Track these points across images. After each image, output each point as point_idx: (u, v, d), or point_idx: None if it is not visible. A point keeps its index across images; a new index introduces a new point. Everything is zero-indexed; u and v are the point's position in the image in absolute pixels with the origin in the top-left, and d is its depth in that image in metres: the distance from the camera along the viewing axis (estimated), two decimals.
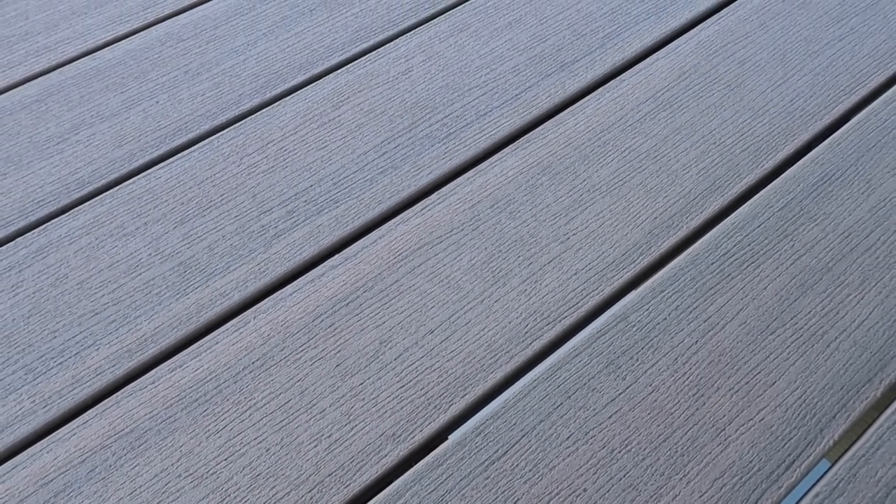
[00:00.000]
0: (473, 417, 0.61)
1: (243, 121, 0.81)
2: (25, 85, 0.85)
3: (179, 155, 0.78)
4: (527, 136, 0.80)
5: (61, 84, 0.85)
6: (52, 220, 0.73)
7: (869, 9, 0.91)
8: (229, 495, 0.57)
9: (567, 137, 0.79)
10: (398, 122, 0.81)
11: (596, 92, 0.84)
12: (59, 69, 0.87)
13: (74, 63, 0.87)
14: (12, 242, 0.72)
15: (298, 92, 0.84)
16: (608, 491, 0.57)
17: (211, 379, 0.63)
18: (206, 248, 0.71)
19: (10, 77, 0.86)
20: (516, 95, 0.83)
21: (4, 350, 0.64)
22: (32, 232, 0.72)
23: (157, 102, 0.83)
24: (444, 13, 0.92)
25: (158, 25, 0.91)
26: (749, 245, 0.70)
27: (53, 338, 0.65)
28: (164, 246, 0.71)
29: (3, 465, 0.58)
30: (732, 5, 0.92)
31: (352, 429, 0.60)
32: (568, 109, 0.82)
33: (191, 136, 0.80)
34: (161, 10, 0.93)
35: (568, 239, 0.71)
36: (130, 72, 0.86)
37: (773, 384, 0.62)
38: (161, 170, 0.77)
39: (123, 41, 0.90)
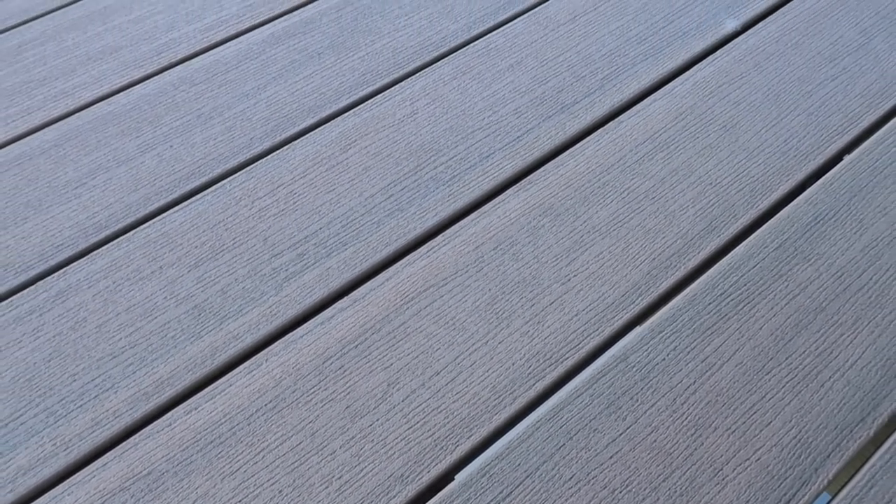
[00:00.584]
0: (479, 458, 0.63)
1: (254, 164, 0.84)
2: (44, 130, 0.88)
3: (193, 199, 0.81)
4: (529, 177, 0.82)
5: (79, 129, 0.88)
6: (71, 265, 0.76)
7: (861, 48, 0.94)
8: None
9: (567, 179, 0.82)
10: (404, 164, 0.83)
11: (595, 133, 0.86)
12: (77, 114, 0.90)
13: (91, 108, 0.91)
14: (33, 286, 0.74)
15: (307, 135, 0.87)
16: None
17: (225, 421, 0.65)
18: (219, 292, 0.73)
19: (29, 122, 0.89)
20: (518, 137, 0.86)
21: (27, 393, 0.67)
22: (52, 276, 0.75)
23: (171, 146, 0.86)
24: (447, 56, 0.95)
25: (172, 70, 0.94)
26: (745, 285, 0.73)
27: (73, 381, 0.67)
28: (178, 289, 0.74)
29: None
30: (727, 46, 0.95)
31: (361, 470, 0.62)
32: (568, 151, 0.85)
33: (204, 179, 0.83)
34: (174, 55, 0.96)
35: (569, 280, 0.73)
36: (145, 116, 0.89)
37: (769, 424, 0.64)
38: (175, 213, 0.80)
39: (138, 85, 0.93)
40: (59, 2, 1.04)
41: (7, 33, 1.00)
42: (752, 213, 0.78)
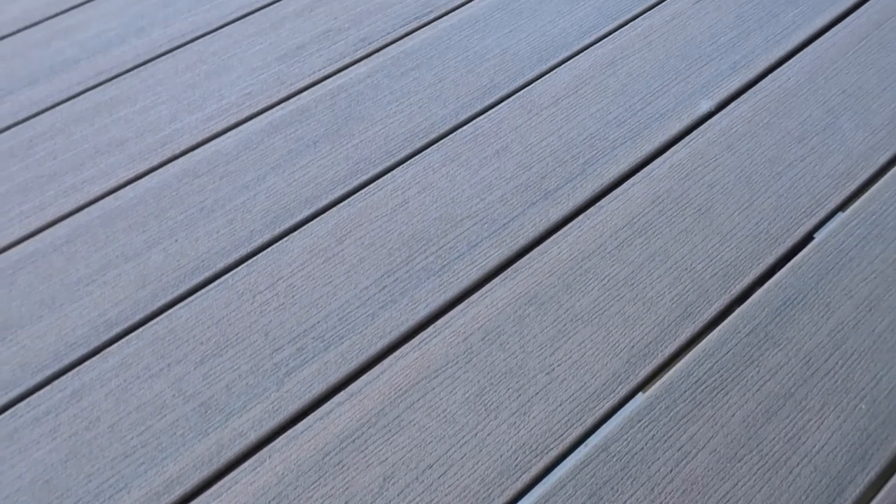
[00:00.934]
0: None
1: (255, 257, 0.89)
2: (56, 226, 0.93)
3: (197, 294, 0.86)
4: (514, 265, 0.87)
5: (88, 224, 0.93)
6: (84, 363, 0.81)
7: (828, 128, 0.99)
8: None
9: (551, 266, 0.86)
10: (396, 255, 0.88)
11: (577, 219, 0.91)
12: (87, 209, 0.95)
13: (100, 202, 0.96)
14: (49, 386, 0.79)
15: (305, 226, 0.92)
16: None
17: None
18: (224, 388, 0.78)
19: (42, 218, 0.94)
20: (504, 225, 0.91)
21: (45, 496, 0.71)
22: (67, 375, 0.80)
23: (176, 241, 0.91)
24: (436, 142, 1.00)
25: (175, 161, 1.00)
26: (718, 372, 0.77)
27: (89, 482, 0.72)
28: (186, 386, 0.78)
29: None
30: (702, 127, 1.00)
31: None
32: (552, 238, 0.89)
33: (207, 274, 0.88)
34: (177, 146, 1.01)
35: (553, 370, 0.78)
36: (150, 210, 0.94)
37: None
38: (181, 309, 0.85)
39: (144, 178, 0.98)
40: (67, 93, 1.09)
41: (18, 127, 1.05)
42: (726, 299, 0.83)
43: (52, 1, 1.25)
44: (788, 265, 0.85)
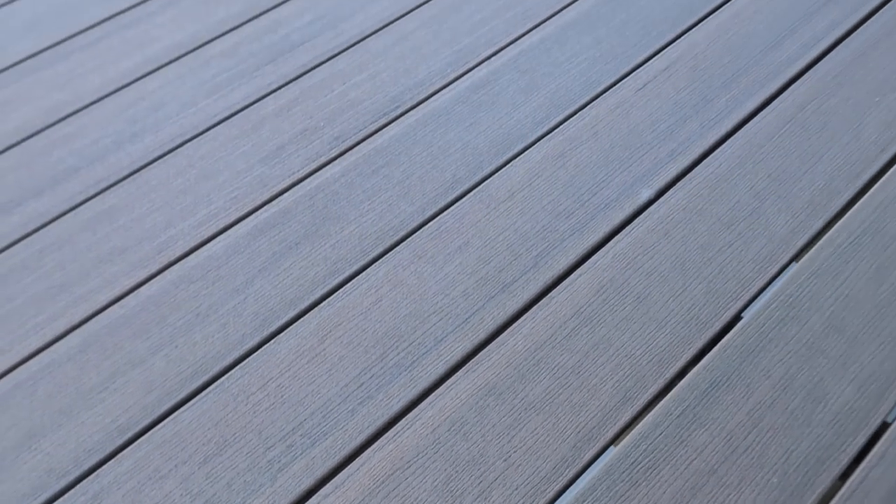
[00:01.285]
0: None
1: (247, 360, 1.00)
2: (69, 336, 1.05)
3: (198, 397, 0.97)
4: (476, 357, 0.99)
5: (97, 333, 1.05)
6: (102, 467, 0.92)
7: (754, 212, 1.10)
8: None
9: (508, 358, 0.98)
10: (372, 352, 1.00)
11: (531, 311, 1.03)
12: (95, 318, 1.06)
13: (106, 311, 1.07)
14: (72, 490, 0.90)
15: (290, 328, 1.03)
16: None
17: None
18: (225, 486, 0.89)
19: (55, 329, 1.06)
20: (466, 319, 1.02)
21: None
22: (87, 479, 0.91)
23: (176, 347, 1.02)
24: (405, 240, 1.12)
25: (172, 268, 1.11)
26: (652, 452, 0.89)
27: None
28: (192, 486, 0.90)
29: None
30: (642, 215, 1.12)
31: None
32: (508, 329, 1.01)
33: (206, 378, 0.99)
34: (173, 253, 1.13)
35: (510, 456, 0.90)
36: (152, 317, 1.06)
37: None
38: (184, 412, 0.96)
39: (144, 286, 1.09)
40: (70, 203, 1.20)
41: (29, 238, 1.17)
42: (660, 383, 0.95)
43: (49, 108, 1.37)
44: (715, 348, 0.97)
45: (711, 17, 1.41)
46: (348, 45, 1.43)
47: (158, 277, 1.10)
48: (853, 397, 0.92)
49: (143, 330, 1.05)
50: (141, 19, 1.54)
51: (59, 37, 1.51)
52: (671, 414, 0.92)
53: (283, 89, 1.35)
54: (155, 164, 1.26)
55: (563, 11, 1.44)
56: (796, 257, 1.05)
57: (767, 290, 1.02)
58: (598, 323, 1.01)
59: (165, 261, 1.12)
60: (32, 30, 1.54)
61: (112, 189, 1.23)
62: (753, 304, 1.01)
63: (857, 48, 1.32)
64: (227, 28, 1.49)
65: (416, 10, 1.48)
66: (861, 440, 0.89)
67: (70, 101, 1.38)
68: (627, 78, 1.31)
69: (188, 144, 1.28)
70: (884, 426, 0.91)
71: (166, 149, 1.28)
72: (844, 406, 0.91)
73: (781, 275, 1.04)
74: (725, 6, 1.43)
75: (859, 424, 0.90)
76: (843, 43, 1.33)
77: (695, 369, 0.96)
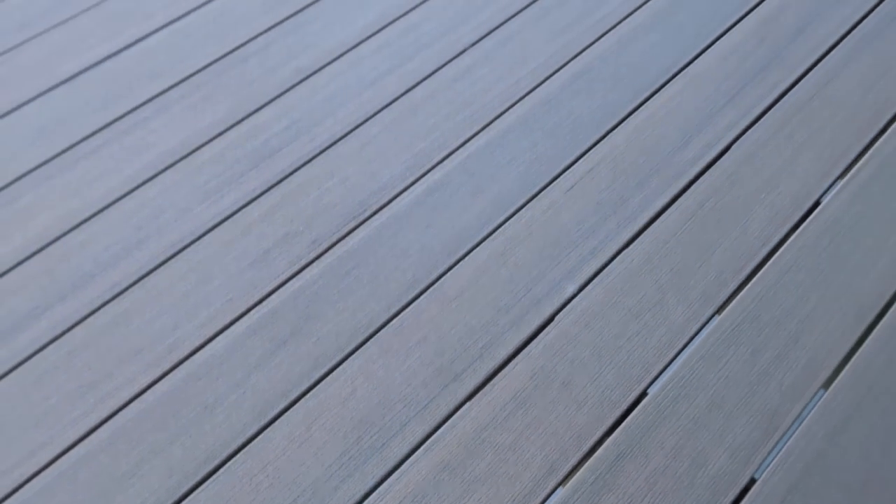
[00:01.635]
0: None
1: (248, 446, 1.24)
2: (100, 429, 1.27)
3: (210, 479, 1.21)
4: (433, 437, 1.23)
5: (124, 426, 1.27)
6: None
7: (658, 304, 1.35)
8: None
9: (458, 438, 1.22)
10: (350, 437, 1.24)
11: (476, 396, 1.27)
12: (120, 412, 1.29)
13: (129, 406, 1.30)
14: None
15: (283, 416, 1.27)
16: None
17: None
18: None
19: (88, 423, 1.28)
20: (425, 406, 1.26)
21: None
22: None
23: (190, 436, 1.25)
24: (373, 336, 1.35)
25: (181, 366, 1.34)
26: None
27: None
28: None
29: None
30: (567, 308, 1.36)
31: None
32: (458, 413, 1.25)
33: (216, 462, 1.22)
34: (181, 352, 1.35)
35: None
36: (168, 411, 1.28)
37: None
38: (200, 494, 1.19)
39: (159, 383, 1.32)
40: (90, 307, 1.42)
41: (59, 341, 1.39)
42: (578, 456, 1.20)
43: (65, 216, 1.58)
44: (623, 424, 1.22)
45: (630, 118, 1.66)
46: (321, 149, 1.66)
47: (170, 375, 1.33)
48: (727, 462, 1.18)
49: (162, 422, 1.27)
50: (137, 124, 1.75)
51: (65, 144, 1.72)
52: (586, 482, 1.17)
53: (266, 195, 1.58)
54: (159, 269, 1.48)
55: (505, 115, 1.68)
56: (688, 343, 1.31)
57: (665, 372, 1.28)
58: (531, 405, 1.25)
59: (175, 359, 1.35)
60: (41, 136, 1.75)
61: (125, 293, 1.45)
62: (654, 384, 1.26)
63: (748, 148, 1.57)
64: (214, 133, 1.71)
65: (378, 115, 1.71)
66: (731, 497, 1.15)
67: (81, 209, 1.59)
68: (558, 179, 1.56)
69: (187, 250, 1.50)
70: (752, 482, 1.17)
71: (168, 254, 1.50)
72: (720, 470, 1.17)
73: (677, 359, 1.29)
74: (642, 107, 1.67)
75: (731, 485, 1.16)
76: (737, 142, 1.59)
77: (606, 443, 1.21)
